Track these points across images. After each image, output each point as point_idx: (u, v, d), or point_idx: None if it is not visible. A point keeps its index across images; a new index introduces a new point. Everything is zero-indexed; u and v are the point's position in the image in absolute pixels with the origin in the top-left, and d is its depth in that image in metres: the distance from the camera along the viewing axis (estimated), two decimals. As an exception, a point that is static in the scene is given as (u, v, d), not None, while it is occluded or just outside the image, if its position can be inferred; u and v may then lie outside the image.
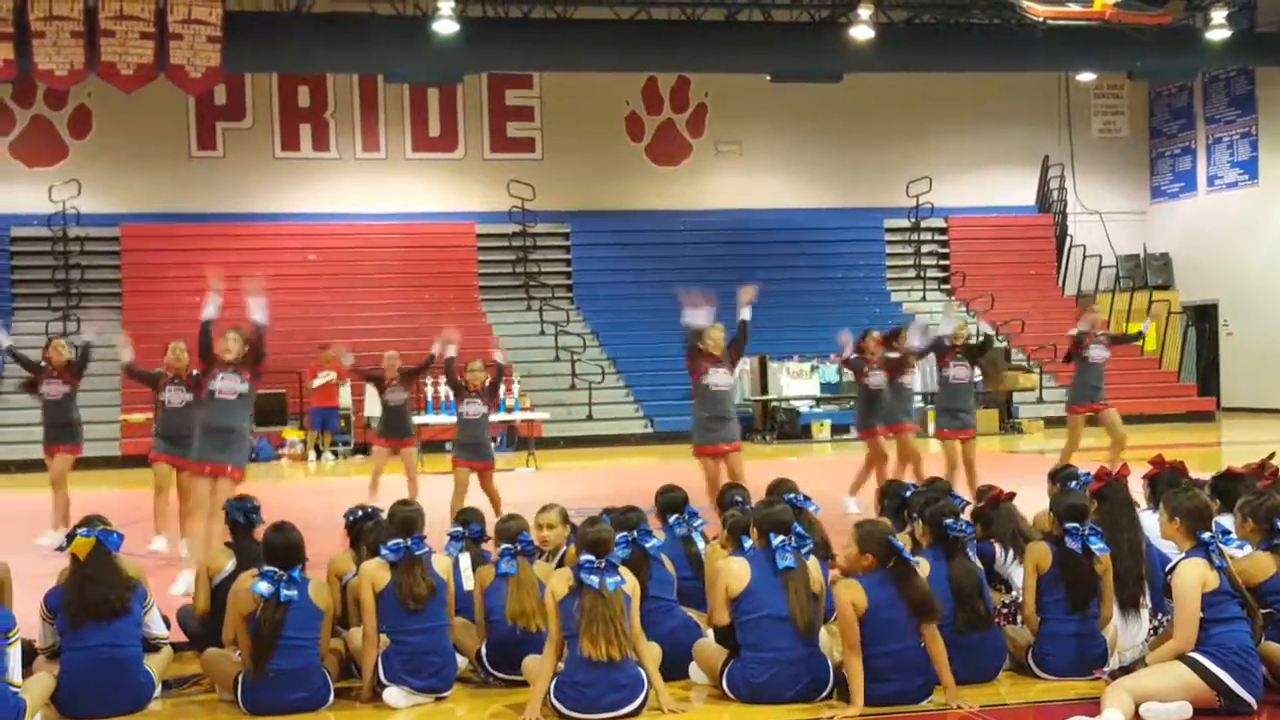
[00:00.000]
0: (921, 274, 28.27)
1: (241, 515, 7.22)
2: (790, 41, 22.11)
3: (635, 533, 6.87)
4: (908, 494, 7.70)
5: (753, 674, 6.21)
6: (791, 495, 7.46)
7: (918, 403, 18.75)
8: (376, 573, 6.50)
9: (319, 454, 21.62)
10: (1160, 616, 6.58)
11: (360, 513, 7.45)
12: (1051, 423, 23.09)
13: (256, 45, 20.27)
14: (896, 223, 28.36)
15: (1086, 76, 27.51)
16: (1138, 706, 5.67)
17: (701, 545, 7.59)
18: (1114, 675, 6.01)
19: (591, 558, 6.11)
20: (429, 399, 19.42)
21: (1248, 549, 6.27)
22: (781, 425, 23.40)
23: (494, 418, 13.74)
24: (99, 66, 18.73)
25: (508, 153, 26.98)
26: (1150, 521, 6.89)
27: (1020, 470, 15.19)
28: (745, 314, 11.27)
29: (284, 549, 6.42)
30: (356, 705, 6.42)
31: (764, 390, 23.73)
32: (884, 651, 5.99)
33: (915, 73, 24.87)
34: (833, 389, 23.81)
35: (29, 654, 6.35)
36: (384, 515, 7.11)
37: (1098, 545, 6.49)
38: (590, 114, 26.79)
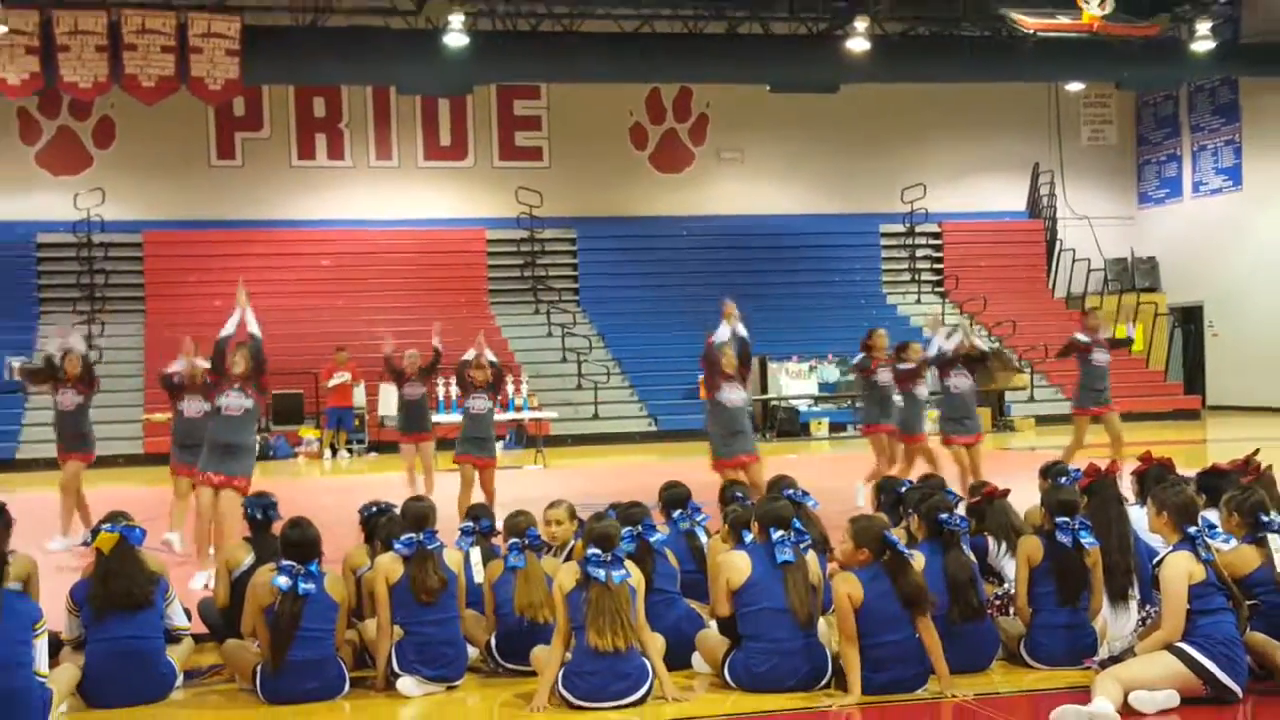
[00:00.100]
0: (916, 277, 28.52)
1: (260, 511, 7.32)
2: (789, 53, 22.18)
3: (640, 527, 6.91)
4: (903, 490, 7.79)
5: (754, 663, 6.28)
6: (791, 491, 7.52)
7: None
8: (390, 566, 6.55)
9: (334, 452, 21.89)
10: (1148, 608, 6.60)
11: (375, 508, 7.48)
12: (1043, 420, 23.43)
13: (274, 58, 20.51)
14: (892, 228, 28.58)
15: (1075, 86, 27.79)
16: (1126, 695, 5.72)
17: (704, 539, 7.67)
18: (1103, 665, 6.08)
19: (598, 551, 6.15)
20: (440, 398, 19.28)
21: (1233, 542, 6.31)
22: (781, 423, 23.73)
23: (503, 416, 13.85)
24: (122, 79, 19.11)
25: (516, 161, 27.20)
26: (1138, 516, 6.86)
27: (1012, 467, 15.29)
28: (741, 330, 11.05)
29: (301, 544, 6.49)
30: (371, 694, 6.50)
31: (764, 389, 24.00)
32: (880, 642, 6.07)
33: (910, 83, 25.03)
34: (830, 388, 24.21)
35: (55, 645, 6.37)
36: (397, 510, 7.17)
37: (1088, 539, 6.56)
38: (596, 123, 27.02)
